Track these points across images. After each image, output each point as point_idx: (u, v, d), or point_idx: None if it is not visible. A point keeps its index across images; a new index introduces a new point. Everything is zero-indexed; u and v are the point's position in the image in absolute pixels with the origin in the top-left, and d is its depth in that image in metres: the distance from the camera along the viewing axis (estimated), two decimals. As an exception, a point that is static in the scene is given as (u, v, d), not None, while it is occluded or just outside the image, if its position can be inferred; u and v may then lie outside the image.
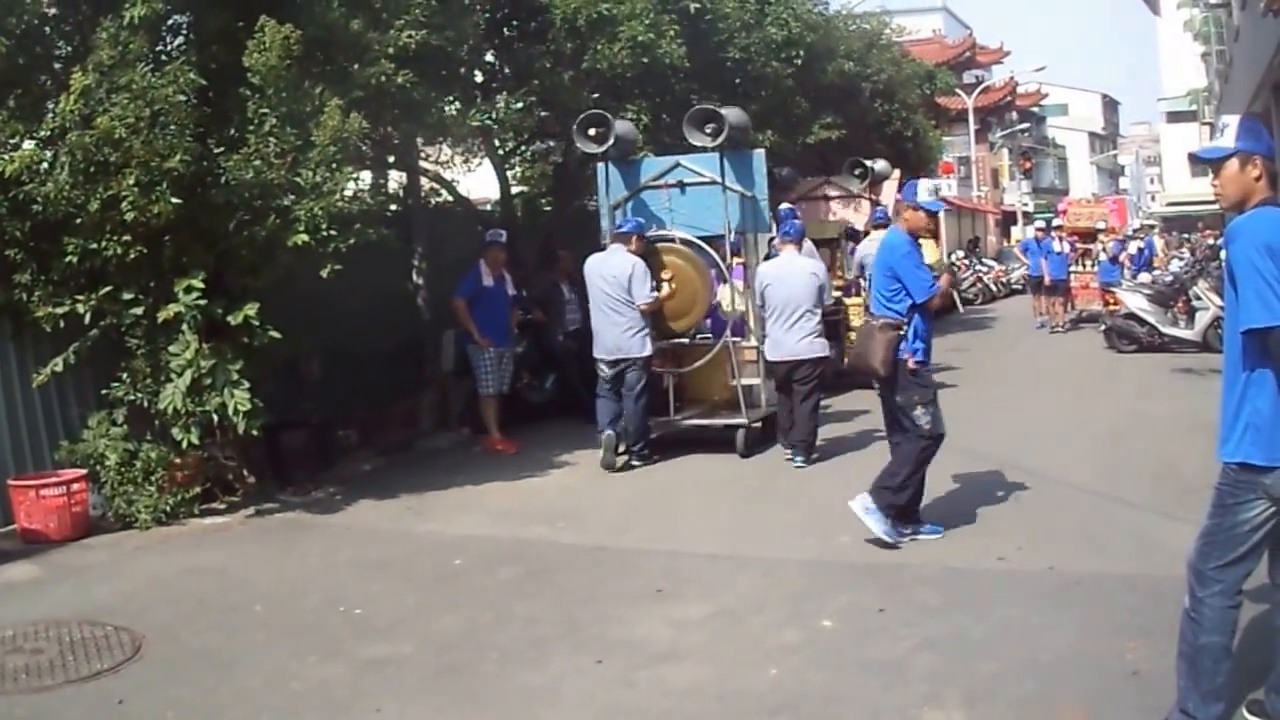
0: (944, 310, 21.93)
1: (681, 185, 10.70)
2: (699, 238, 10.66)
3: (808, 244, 12.60)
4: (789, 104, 14.42)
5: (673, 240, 10.67)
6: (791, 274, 9.90)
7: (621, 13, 11.23)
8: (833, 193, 15.94)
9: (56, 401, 8.75)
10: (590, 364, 11.99)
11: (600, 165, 10.93)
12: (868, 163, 15.80)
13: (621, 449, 10.04)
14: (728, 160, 10.48)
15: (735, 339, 10.56)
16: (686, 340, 10.83)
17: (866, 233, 14.27)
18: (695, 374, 10.99)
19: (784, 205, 13.84)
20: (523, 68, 12.12)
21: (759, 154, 11.07)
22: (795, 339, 9.76)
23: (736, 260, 10.80)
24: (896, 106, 19.58)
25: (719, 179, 10.46)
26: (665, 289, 10.42)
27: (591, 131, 10.64)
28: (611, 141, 10.50)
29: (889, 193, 16.55)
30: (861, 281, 13.59)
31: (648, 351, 10.15)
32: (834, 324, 13.67)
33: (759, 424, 10.51)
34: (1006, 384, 14.57)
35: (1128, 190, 77.58)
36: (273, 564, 7.45)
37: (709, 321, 10.81)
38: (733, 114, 10.60)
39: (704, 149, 10.49)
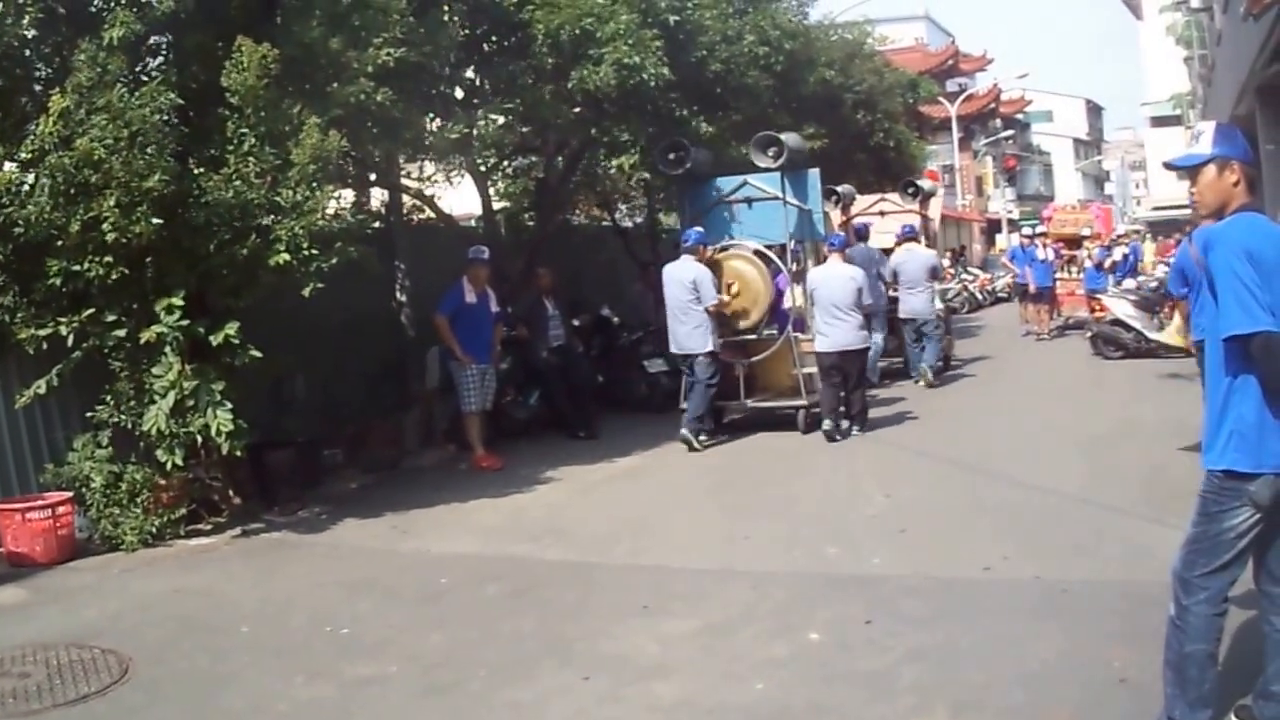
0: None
1: (749, 201, 12.43)
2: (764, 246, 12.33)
3: (869, 249, 15.17)
4: (770, 115, 14.42)
5: (742, 249, 12.33)
6: (834, 278, 11.49)
7: (605, 32, 11.20)
8: (887, 209, 17.56)
9: (41, 424, 8.73)
10: (574, 380, 12.50)
11: (681, 184, 12.72)
12: (919, 182, 17.79)
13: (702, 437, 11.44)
14: (787, 178, 12.24)
15: (796, 334, 12.08)
16: (755, 335, 12.26)
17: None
18: (763, 364, 12.46)
19: (858, 220, 16.22)
20: (503, 83, 12.11)
21: (814, 172, 12.63)
22: (839, 332, 11.34)
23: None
24: (879, 117, 19.63)
25: (780, 195, 12.20)
26: (726, 295, 11.85)
27: (671, 156, 12.08)
28: (689, 165, 11.99)
29: (935, 208, 19.14)
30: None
31: (708, 347, 11.46)
32: (894, 319, 15.50)
33: (818, 407, 11.73)
34: (993, 392, 14.60)
35: (1113, 196, 77.87)
36: (259, 584, 7.42)
37: (790, 315, 12.22)
38: (791, 139, 12.28)
39: (767, 169, 12.12)
